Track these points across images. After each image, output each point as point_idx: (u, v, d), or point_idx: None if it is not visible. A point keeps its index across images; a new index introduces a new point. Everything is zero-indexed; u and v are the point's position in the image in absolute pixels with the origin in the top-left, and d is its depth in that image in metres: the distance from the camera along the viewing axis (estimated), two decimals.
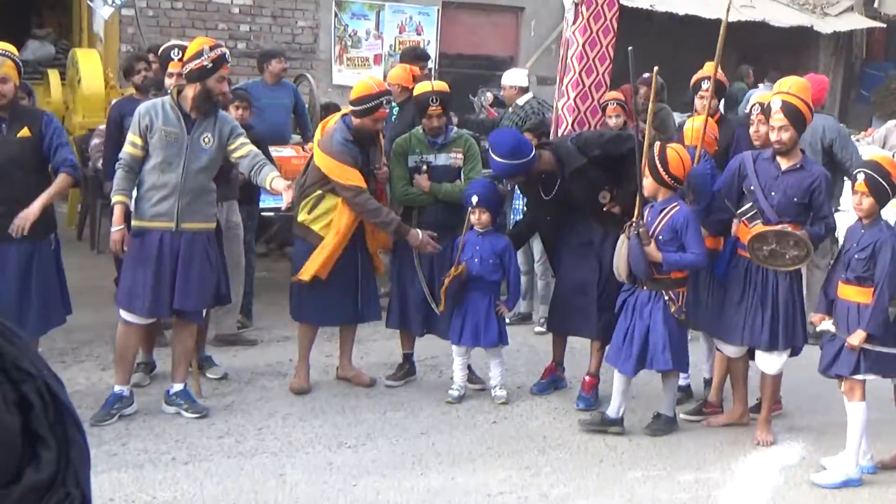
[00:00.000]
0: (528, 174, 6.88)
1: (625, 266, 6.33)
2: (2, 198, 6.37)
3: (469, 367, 7.19)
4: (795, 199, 6.21)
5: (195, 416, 6.53)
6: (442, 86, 7.31)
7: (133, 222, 6.48)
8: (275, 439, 6.27)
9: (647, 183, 6.30)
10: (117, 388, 6.59)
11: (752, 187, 6.28)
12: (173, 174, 6.36)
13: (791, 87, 6.27)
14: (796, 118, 6.17)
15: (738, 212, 6.33)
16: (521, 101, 9.36)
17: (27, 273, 6.48)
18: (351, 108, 6.92)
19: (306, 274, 6.85)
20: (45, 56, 14.21)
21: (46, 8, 15.40)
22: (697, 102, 7.46)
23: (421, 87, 7.35)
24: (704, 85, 7.29)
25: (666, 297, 6.32)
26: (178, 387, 6.69)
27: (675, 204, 6.32)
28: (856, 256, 5.88)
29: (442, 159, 7.13)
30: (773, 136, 6.20)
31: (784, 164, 6.26)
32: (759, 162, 6.34)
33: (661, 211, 6.32)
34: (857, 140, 13.18)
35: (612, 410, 6.53)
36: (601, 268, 6.94)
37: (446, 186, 7.05)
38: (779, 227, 6.18)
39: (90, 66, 11.23)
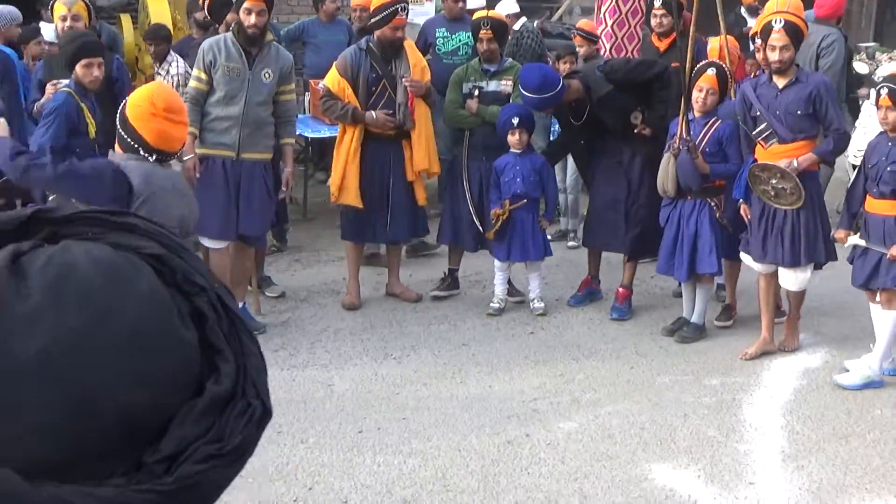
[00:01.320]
0: (558, 104, 6.68)
1: (672, 182, 6.18)
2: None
3: (509, 281, 7.06)
4: (799, 112, 5.85)
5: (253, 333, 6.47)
6: (497, 14, 7.22)
7: (196, 150, 6.39)
8: (325, 352, 6.21)
9: (714, 99, 6.16)
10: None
11: (758, 113, 5.96)
12: (236, 107, 6.25)
13: (789, 5, 5.91)
14: (796, 36, 5.84)
15: (754, 133, 6.01)
16: (516, 26, 9.04)
17: None
18: (371, 21, 6.83)
19: (334, 196, 6.88)
20: (118, 2, 14.12)
21: None
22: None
23: (478, 14, 7.29)
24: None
25: (712, 203, 6.25)
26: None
27: (716, 118, 6.21)
28: (888, 170, 5.57)
29: (493, 86, 6.97)
30: (775, 56, 5.80)
31: (781, 82, 5.88)
32: (758, 88, 6.00)
33: (705, 125, 6.19)
34: (892, 58, 12.62)
35: (695, 317, 6.45)
36: (629, 186, 6.79)
37: (492, 108, 6.87)
38: (762, 162, 5.89)
39: (159, 10, 11.04)
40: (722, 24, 6.77)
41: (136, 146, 4.07)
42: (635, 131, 6.64)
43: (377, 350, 6.22)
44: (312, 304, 7.10)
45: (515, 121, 6.63)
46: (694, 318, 6.42)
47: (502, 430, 5.18)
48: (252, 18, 6.13)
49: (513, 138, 6.68)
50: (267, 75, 6.31)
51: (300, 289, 7.37)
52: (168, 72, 7.75)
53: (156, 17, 10.90)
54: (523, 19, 9.26)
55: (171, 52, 7.93)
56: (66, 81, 6.19)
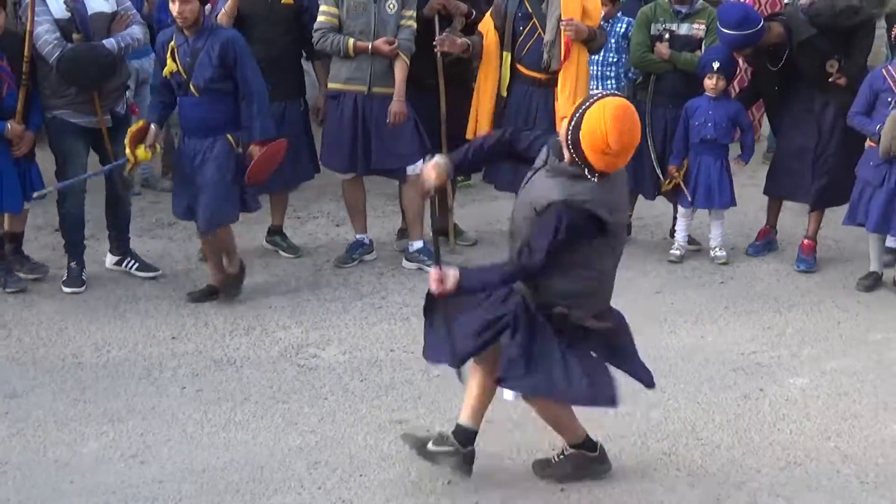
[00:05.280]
0: (756, 45, 6.50)
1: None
2: (260, 58, 6.22)
3: None
4: None
5: None
6: None
7: (329, 85, 6.46)
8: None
9: None
10: (358, 236, 6.72)
11: None
12: (366, 41, 6.20)
13: None
14: None
15: None
16: None
17: (279, 131, 6.37)
18: None
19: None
20: None
21: None
22: None
23: None
24: None
25: None
26: (417, 244, 6.60)
27: None
28: None
29: (684, 29, 6.74)
30: None
31: None
32: None
33: None
34: None
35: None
36: (820, 135, 6.64)
37: (685, 55, 6.68)
38: None
39: None
40: None
41: (583, 168, 3.70)
42: (829, 80, 6.48)
43: None
44: (485, 244, 7.01)
45: (716, 65, 6.49)
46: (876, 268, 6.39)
47: (733, 383, 5.13)
48: None
49: (710, 82, 6.54)
50: (391, 6, 6.25)
51: (467, 228, 7.25)
52: None
53: None
54: None
55: None
56: None
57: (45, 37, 5.81)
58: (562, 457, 4.24)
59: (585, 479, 4.20)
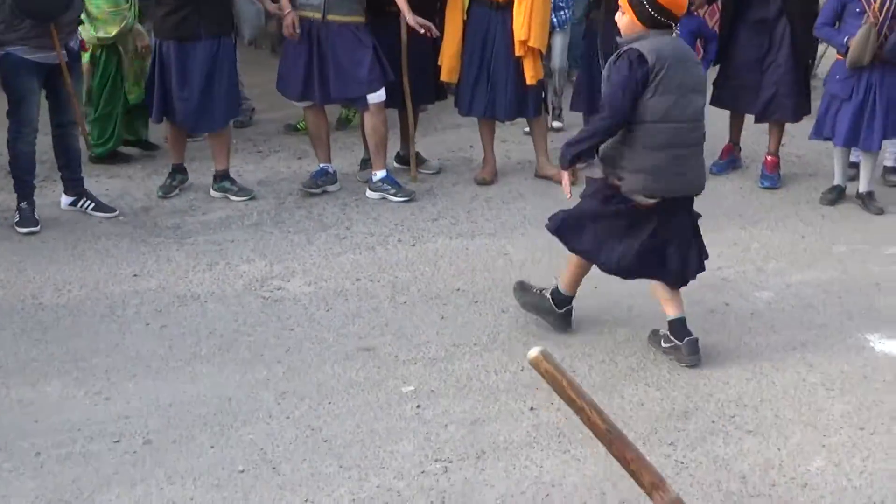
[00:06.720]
0: None
1: (869, 52, 6.00)
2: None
3: None
4: None
5: (403, 200, 6.38)
6: None
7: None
8: (486, 221, 6.11)
9: None
10: (322, 165, 6.63)
11: None
12: None
13: None
14: None
15: None
16: None
17: (212, 68, 6.23)
18: None
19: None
20: None
21: None
22: None
23: None
24: None
25: None
26: (381, 174, 6.52)
27: None
28: None
29: None
30: None
31: None
32: None
33: None
34: None
35: (868, 185, 6.40)
36: (771, 45, 6.59)
37: None
38: None
39: None
40: None
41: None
42: None
43: (539, 220, 6.08)
44: (449, 172, 6.96)
45: None
46: (867, 187, 6.35)
47: (700, 298, 5.13)
48: None
49: None
50: None
51: (430, 156, 7.20)
52: None
53: None
54: None
55: None
56: None
57: None
58: (539, 292, 4.81)
59: (535, 315, 4.83)
